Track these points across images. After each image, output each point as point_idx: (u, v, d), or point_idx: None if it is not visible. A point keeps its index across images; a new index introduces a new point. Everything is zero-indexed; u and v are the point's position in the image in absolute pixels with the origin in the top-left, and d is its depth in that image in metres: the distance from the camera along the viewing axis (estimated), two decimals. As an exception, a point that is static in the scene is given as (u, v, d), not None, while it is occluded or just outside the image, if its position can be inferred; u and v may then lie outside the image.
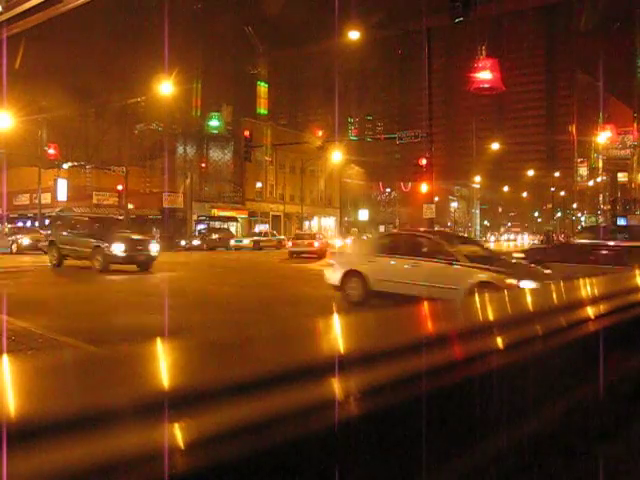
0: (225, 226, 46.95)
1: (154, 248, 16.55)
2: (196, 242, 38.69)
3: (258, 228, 49.01)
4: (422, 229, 13.93)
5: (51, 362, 0.72)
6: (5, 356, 0.64)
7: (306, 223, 58.33)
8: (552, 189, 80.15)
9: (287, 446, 0.52)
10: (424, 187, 24.10)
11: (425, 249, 9.43)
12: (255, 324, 7.35)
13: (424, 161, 23.22)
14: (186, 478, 0.45)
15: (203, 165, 48.40)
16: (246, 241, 39.72)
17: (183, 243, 38.66)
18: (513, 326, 1.05)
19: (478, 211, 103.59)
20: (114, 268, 15.43)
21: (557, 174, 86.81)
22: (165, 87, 31.59)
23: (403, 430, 0.67)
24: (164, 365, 0.68)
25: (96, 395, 0.53)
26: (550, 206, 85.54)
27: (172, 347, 0.81)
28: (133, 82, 40.32)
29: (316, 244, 26.74)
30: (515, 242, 71.13)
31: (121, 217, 32.40)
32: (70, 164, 40.59)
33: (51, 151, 39.24)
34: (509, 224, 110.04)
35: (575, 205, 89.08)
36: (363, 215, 72.01)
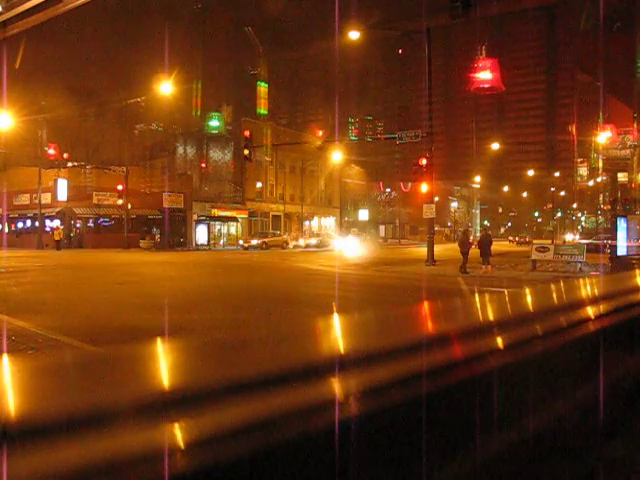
0: (225, 226, 46.95)
1: None
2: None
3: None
4: None
5: (51, 362, 0.71)
6: (5, 356, 0.63)
7: (306, 223, 58.31)
8: (552, 189, 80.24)
9: (287, 446, 0.52)
10: (424, 187, 24.06)
11: None
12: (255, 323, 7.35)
13: (424, 161, 23.18)
14: (186, 478, 0.45)
15: (203, 165, 48.38)
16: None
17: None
18: (513, 326, 1.05)
19: (478, 211, 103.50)
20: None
21: (557, 174, 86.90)
22: (165, 87, 31.58)
23: (403, 430, 0.67)
24: (164, 365, 0.68)
25: (96, 395, 0.52)
26: (550, 206, 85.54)
27: (172, 347, 0.81)
28: (133, 82, 40.38)
29: None
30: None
31: None
32: (70, 164, 40.57)
33: (51, 151, 39.20)
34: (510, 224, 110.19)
35: (575, 205, 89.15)
36: (363, 215, 71.96)
